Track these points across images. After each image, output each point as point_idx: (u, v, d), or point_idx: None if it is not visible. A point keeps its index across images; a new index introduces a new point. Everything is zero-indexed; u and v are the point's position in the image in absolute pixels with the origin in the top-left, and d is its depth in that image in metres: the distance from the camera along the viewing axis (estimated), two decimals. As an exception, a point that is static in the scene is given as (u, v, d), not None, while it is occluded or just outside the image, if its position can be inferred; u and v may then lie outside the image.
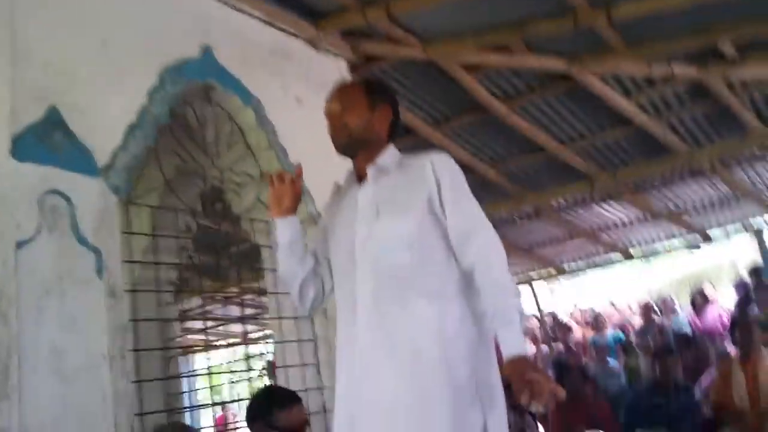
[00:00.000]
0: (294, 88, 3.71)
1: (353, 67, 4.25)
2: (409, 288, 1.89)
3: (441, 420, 1.78)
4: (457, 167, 2.00)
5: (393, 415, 1.81)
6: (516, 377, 1.70)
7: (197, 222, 3.94)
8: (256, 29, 3.56)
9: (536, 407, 1.67)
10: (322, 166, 3.72)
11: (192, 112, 3.26)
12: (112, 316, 2.56)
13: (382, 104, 2.07)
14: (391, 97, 2.13)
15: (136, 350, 2.73)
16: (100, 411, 2.43)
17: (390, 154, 2.05)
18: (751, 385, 4.34)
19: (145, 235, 3.14)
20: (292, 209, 2.09)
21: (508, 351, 1.76)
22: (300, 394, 2.91)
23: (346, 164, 3.93)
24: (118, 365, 2.52)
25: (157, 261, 3.21)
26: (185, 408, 4.34)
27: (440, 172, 1.95)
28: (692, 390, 5.27)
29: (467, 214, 1.93)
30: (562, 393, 1.71)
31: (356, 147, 2.04)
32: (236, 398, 3.64)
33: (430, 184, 1.94)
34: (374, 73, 4.61)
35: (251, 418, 2.77)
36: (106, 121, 2.74)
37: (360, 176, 2.07)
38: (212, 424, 4.31)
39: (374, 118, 2.04)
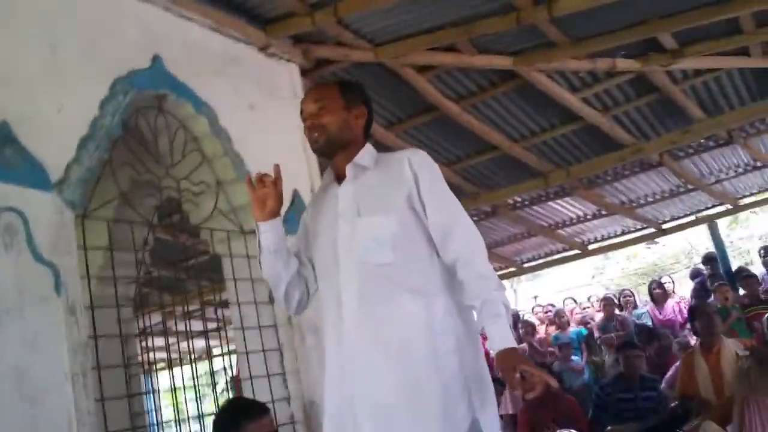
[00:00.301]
0: (246, 95, 3.69)
1: (304, 72, 4.25)
2: (395, 285, 1.91)
3: (431, 414, 1.80)
4: (434, 164, 2.03)
5: (386, 410, 1.83)
6: (507, 370, 1.75)
7: (154, 235, 3.88)
8: (205, 37, 3.54)
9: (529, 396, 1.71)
10: (279, 171, 3.73)
11: (145, 123, 3.22)
12: (72, 334, 2.50)
13: (357, 104, 2.10)
14: (365, 96, 2.15)
15: (98, 368, 2.67)
16: (65, 430, 2.37)
17: (368, 153, 2.07)
18: (715, 374, 4.38)
19: (102, 249, 3.08)
20: (276, 211, 2.06)
21: (497, 344, 1.81)
22: (267, 406, 2.88)
23: (302, 170, 3.96)
24: (80, 384, 2.47)
25: (115, 276, 3.15)
26: (150, 426, 4.25)
27: (418, 169, 1.98)
28: (658, 383, 5.35)
29: (447, 210, 1.97)
30: (553, 382, 1.77)
31: (334, 147, 2.04)
32: (200, 414, 3.57)
33: (408, 181, 1.97)
34: (325, 77, 4.62)
35: (219, 432, 2.73)
36: (57, 134, 2.69)
37: (339, 175, 2.08)
38: None
39: (350, 117, 2.06)
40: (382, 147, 5.22)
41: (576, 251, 9.83)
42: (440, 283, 1.94)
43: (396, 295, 1.91)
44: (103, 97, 2.90)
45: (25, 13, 2.71)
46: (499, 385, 4.23)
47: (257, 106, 3.74)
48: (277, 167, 2.08)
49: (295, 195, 3.77)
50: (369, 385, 1.87)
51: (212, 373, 3.61)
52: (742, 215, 17.93)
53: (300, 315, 2.26)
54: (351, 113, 2.07)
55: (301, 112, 2.09)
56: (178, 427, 3.78)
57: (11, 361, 2.29)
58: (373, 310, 1.91)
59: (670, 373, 5.59)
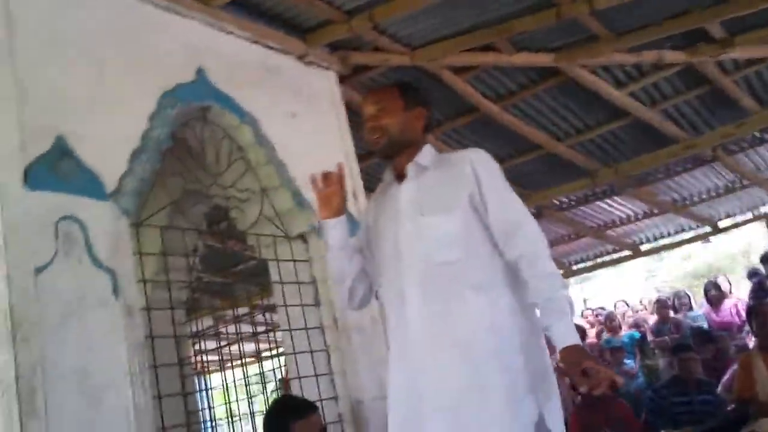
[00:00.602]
0: (287, 103, 3.79)
1: (342, 79, 4.33)
2: (458, 282, 1.95)
3: (499, 411, 1.83)
4: (495, 163, 2.07)
5: (454, 407, 1.86)
6: (572, 366, 1.78)
7: (204, 242, 4.01)
8: (246, 49, 3.65)
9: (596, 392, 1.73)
10: (320, 176, 3.81)
11: (192, 134, 3.34)
12: (129, 335, 2.62)
13: (417, 105, 2.14)
14: (423, 97, 2.20)
15: (154, 366, 2.78)
16: (125, 427, 2.49)
17: (428, 153, 2.12)
18: (774, 375, 4.29)
19: (156, 255, 3.20)
20: (341, 209, 2.12)
21: (562, 341, 1.84)
22: (316, 404, 2.95)
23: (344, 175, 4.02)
24: (138, 381, 2.58)
25: (168, 280, 3.28)
26: (203, 424, 4.38)
27: (479, 168, 2.01)
28: (714, 386, 5.23)
29: (511, 208, 2.00)
30: (619, 379, 1.79)
31: (394, 148, 2.09)
32: (251, 413, 3.68)
33: (470, 180, 2.00)
34: (363, 82, 4.69)
35: (268, 430, 2.81)
36: (111, 147, 2.82)
37: (399, 175, 2.12)
38: None
39: (410, 118, 2.10)
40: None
41: (627, 252, 9.62)
42: (502, 281, 1.98)
43: (459, 292, 1.94)
44: (151, 111, 3.02)
45: (72, 35, 2.85)
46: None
47: (298, 114, 3.83)
48: (341, 165, 2.15)
49: (338, 200, 3.84)
50: (436, 381, 1.90)
51: (262, 374, 3.70)
52: (804, 211, 17.33)
53: (359, 309, 2.33)
54: (411, 114, 2.11)
55: (362, 114, 2.14)
56: (231, 425, 3.88)
57: (73, 362, 2.42)
58: (437, 307, 1.94)
59: (726, 376, 5.44)
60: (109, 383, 2.50)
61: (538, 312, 1.94)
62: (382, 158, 2.16)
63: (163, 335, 3.06)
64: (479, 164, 2.03)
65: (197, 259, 4.01)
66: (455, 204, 1.99)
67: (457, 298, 1.94)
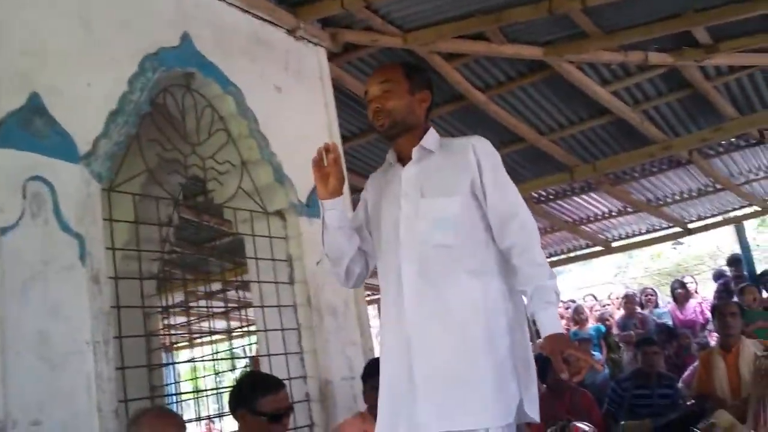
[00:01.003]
0: (273, 77, 3.71)
1: (332, 57, 4.26)
2: (454, 266, 1.99)
3: (487, 388, 1.91)
4: (496, 152, 2.11)
5: (443, 381, 1.93)
6: (555, 353, 1.85)
7: (179, 214, 3.93)
8: (235, 18, 3.57)
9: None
10: (303, 154, 3.72)
11: (172, 101, 3.25)
12: (95, 303, 2.55)
13: (421, 88, 2.14)
14: (428, 81, 2.19)
15: (119, 337, 2.71)
16: (85, 396, 2.42)
17: (432, 137, 2.13)
18: (732, 374, 4.34)
19: (127, 222, 3.12)
20: (339, 190, 2.12)
21: (547, 329, 1.91)
22: (284, 382, 2.92)
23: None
24: (102, 351, 2.51)
25: (139, 248, 3.20)
26: (169, 395, 4.32)
27: (481, 156, 2.05)
28: (675, 381, 5.32)
29: (507, 198, 2.04)
30: (599, 367, 1.88)
31: (398, 130, 2.10)
32: (218, 389, 3.64)
33: (472, 167, 2.04)
34: (352, 62, 4.63)
35: (235, 405, 2.77)
36: (87, 108, 2.72)
37: (401, 157, 2.15)
38: None
39: (414, 101, 2.11)
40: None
41: (599, 248, 9.77)
42: (495, 267, 2.03)
43: (454, 275, 1.99)
44: (132, 74, 2.93)
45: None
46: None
47: (284, 88, 3.76)
48: (334, 144, 2.14)
49: (319, 178, 3.78)
50: (428, 356, 1.95)
51: (232, 351, 3.65)
52: (771, 219, 17.68)
53: (355, 288, 2.42)
54: (415, 97, 2.11)
55: (366, 93, 2.14)
56: (196, 402, 3.83)
57: (34, 326, 2.34)
58: (432, 287, 1.99)
59: (687, 372, 5.55)
60: (72, 350, 2.42)
61: (525, 299, 2.00)
62: (386, 139, 2.18)
63: (130, 306, 2.98)
64: (482, 152, 2.06)
65: (171, 230, 3.93)
66: (456, 189, 2.03)
67: (452, 280, 1.99)
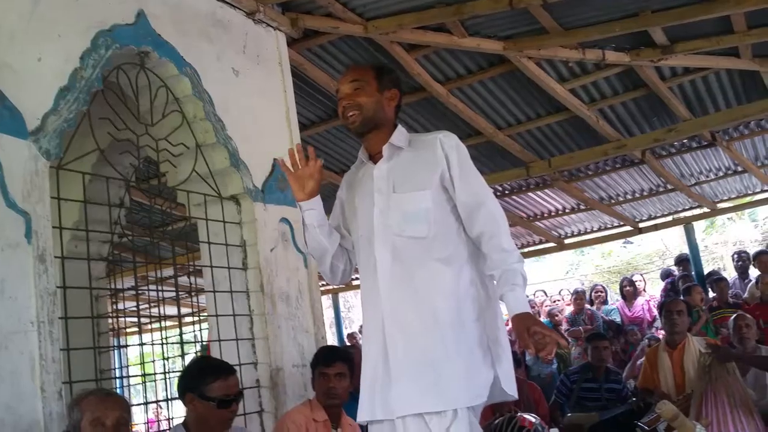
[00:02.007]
0: (231, 60, 3.66)
1: (291, 43, 4.22)
2: (427, 255, 2.11)
3: (458, 372, 2.02)
4: (463, 146, 2.21)
5: (420, 367, 2.03)
6: (521, 331, 1.95)
7: (131, 196, 3.85)
8: (193, -2, 3.50)
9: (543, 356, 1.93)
10: (258, 139, 3.73)
11: (126, 80, 3.18)
12: (40, 282, 2.48)
13: (390, 87, 2.25)
14: (397, 80, 2.31)
15: (65, 318, 2.65)
16: (29, 376, 2.37)
17: (402, 134, 2.24)
18: (677, 370, 4.44)
19: (77, 201, 3.04)
20: (316, 190, 2.23)
21: (513, 309, 2.02)
22: (234, 368, 2.89)
23: (284, 139, 3.95)
24: (46, 331, 2.45)
25: (87, 229, 3.13)
26: (116, 378, 4.25)
27: (449, 151, 2.16)
28: (621, 375, 5.45)
29: (474, 189, 2.15)
30: (564, 342, 1.97)
31: (368, 126, 2.21)
32: (166, 374, 3.59)
33: (441, 161, 2.15)
34: (313, 48, 4.59)
35: (184, 389, 2.73)
36: (36, 83, 2.65)
37: (372, 154, 2.27)
38: (145, 423, 4.28)
39: (383, 99, 2.22)
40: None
41: (552, 244, 9.91)
42: (465, 255, 2.15)
43: (427, 263, 2.11)
44: (84, 50, 2.86)
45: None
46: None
47: (242, 71, 3.71)
48: (311, 149, 2.24)
49: (275, 164, 3.75)
50: (401, 340, 2.07)
51: (182, 338, 3.60)
52: (718, 221, 18.23)
53: (342, 284, 2.49)
54: (384, 95, 2.22)
55: (337, 92, 2.25)
56: (144, 388, 3.77)
57: (-23, 305, 2.27)
58: (405, 274, 2.11)
59: (629, 365, 5.68)
60: (16, 330, 2.36)
61: (495, 283, 2.11)
62: (356, 135, 2.26)
63: (77, 286, 2.91)
64: (449, 146, 2.17)
65: (122, 213, 3.85)
66: (426, 183, 2.14)
67: (425, 268, 2.10)
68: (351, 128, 2.22)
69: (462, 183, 2.14)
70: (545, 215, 8.98)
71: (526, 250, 10.21)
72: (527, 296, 2.18)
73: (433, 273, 2.09)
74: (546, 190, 8.11)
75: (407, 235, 2.11)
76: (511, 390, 2.10)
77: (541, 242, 9.96)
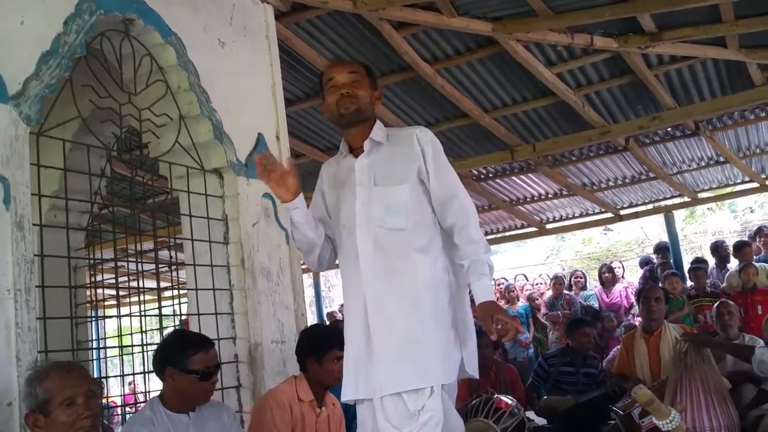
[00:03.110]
0: (217, 31, 3.60)
1: (280, 15, 4.16)
2: (406, 246, 2.24)
3: (436, 352, 2.17)
4: (437, 141, 2.34)
5: (401, 349, 2.17)
6: (486, 317, 2.11)
7: (111, 166, 3.80)
8: (180, -35, 3.43)
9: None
10: (243, 112, 3.68)
11: (110, 47, 3.11)
12: (18, 249, 2.45)
13: (376, 87, 2.41)
14: (377, 83, 2.45)
15: (42, 287, 2.61)
16: (4, 344, 2.34)
17: (381, 130, 2.36)
18: (653, 356, 4.47)
19: (57, 169, 3.00)
20: (298, 189, 2.29)
21: (480, 297, 2.19)
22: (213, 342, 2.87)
23: (269, 114, 3.90)
24: (23, 299, 2.42)
25: (68, 198, 3.08)
26: (92, 349, 4.21)
27: (425, 146, 2.29)
28: (598, 360, 5.49)
29: (447, 182, 2.30)
30: (522, 330, 2.14)
31: (358, 118, 2.31)
32: (144, 346, 3.57)
33: (417, 156, 2.28)
34: (301, 23, 4.54)
35: (162, 362, 2.69)
36: (18, 47, 2.59)
37: (353, 148, 2.37)
38: (122, 399, 4.28)
39: (372, 97, 2.36)
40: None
41: (534, 229, 9.96)
42: (440, 244, 2.30)
43: (406, 252, 2.24)
44: (68, 14, 2.81)
45: None
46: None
47: (228, 43, 3.66)
48: (289, 160, 2.35)
49: (260, 138, 3.72)
50: (383, 325, 2.20)
51: (160, 311, 3.57)
52: (698, 211, 18.41)
53: (327, 269, 2.64)
54: (373, 94, 2.37)
55: (330, 79, 2.32)
56: (121, 360, 3.75)
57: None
58: (386, 263, 2.24)
59: (611, 354, 5.72)
60: (-10, 297, 2.33)
61: (465, 271, 2.25)
62: (344, 125, 2.34)
63: (55, 255, 2.87)
64: (425, 142, 2.29)
65: (103, 183, 3.79)
66: (405, 177, 2.26)
67: (404, 258, 2.23)
68: (344, 117, 2.30)
69: (436, 177, 2.27)
70: (528, 200, 9.02)
71: (507, 233, 10.27)
72: (493, 282, 2.28)
73: (413, 262, 2.23)
74: (530, 174, 8.13)
75: (388, 227, 2.24)
76: (472, 370, 2.28)
77: (523, 226, 10.01)
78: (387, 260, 2.24)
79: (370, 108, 2.35)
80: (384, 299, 2.22)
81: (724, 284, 6.74)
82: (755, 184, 8.68)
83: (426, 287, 2.22)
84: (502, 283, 9.19)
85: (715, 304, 4.92)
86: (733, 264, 7.13)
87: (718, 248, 7.73)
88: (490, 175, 8.11)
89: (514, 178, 8.21)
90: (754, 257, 6.96)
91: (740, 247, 6.92)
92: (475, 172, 7.89)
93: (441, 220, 2.30)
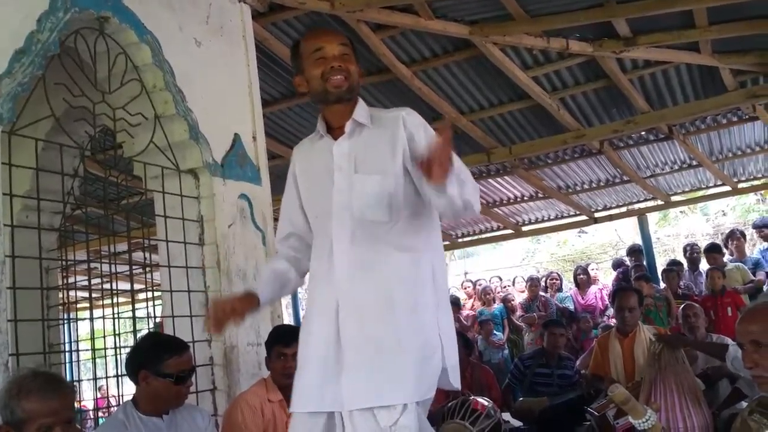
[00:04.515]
0: (194, 30, 3.56)
1: (257, 15, 4.14)
2: (385, 242, 2.02)
3: (412, 364, 1.94)
4: (426, 123, 2.10)
5: (374, 357, 1.95)
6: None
7: (85, 166, 3.74)
8: (156, -37, 3.40)
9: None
10: (219, 112, 3.65)
11: (84, 45, 3.07)
12: (-13, 250, 2.40)
13: (358, 64, 2.13)
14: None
15: (13, 288, 2.56)
16: (-28, 346, 2.29)
17: (364, 110, 2.10)
18: (627, 357, 4.49)
19: (29, 168, 2.94)
20: (255, 300, 2.14)
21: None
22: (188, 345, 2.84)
23: (246, 113, 3.88)
24: (-8, 301, 2.38)
25: (39, 198, 3.03)
26: (64, 352, 4.15)
27: (414, 129, 2.04)
28: (573, 362, 5.54)
29: None
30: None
31: (348, 95, 2.06)
32: (117, 350, 3.52)
33: (403, 141, 2.03)
34: (278, 24, 4.52)
35: (136, 366, 2.66)
36: (-10, 44, 2.55)
37: (331, 128, 2.12)
38: (94, 403, 4.21)
39: (359, 73, 2.11)
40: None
41: (510, 231, 10.01)
42: (423, 243, 2.08)
43: (386, 248, 2.02)
44: (42, 12, 2.76)
45: None
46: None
47: (204, 43, 3.62)
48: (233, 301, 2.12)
49: (236, 139, 3.69)
50: (356, 325, 1.98)
51: (134, 314, 3.52)
52: (671, 214, 18.63)
53: None
54: (359, 71, 2.11)
55: (319, 49, 2.05)
56: (94, 364, 3.69)
57: None
58: (364, 258, 2.01)
59: (584, 354, 5.77)
60: (-40, 299, 2.29)
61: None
62: (330, 103, 2.08)
63: (26, 256, 2.82)
64: (412, 124, 2.05)
65: (76, 183, 3.74)
66: (390, 165, 2.03)
67: (384, 254, 2.02)
68: (332, 94, 2.03)
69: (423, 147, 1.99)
70: (504, 202, 9.07)
71: (483, 236, 10.32)
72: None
73: (392, 259, 2.01)
74: (506, 177, 8.18)
75: (367, 219, 2.01)
76: (455, 382, 2.09)
77: (498, 228, 10.06)
78: (365, 255, 2.01)
79: (359, 85, 2.08)
80: (359, 301, 1.99)
81: (704, 290, 6.79)
82: (727, 188, 8.81)
83: (406, 288, 1.99)
84: (481, 284, 9.25)
85: (681, 307, 4.98)
86: (704, 267, 7.23)
87: (689, 251, 7.84)
88: (467, 177, 8.11)
89: (490, 180, 8.24)
90: (729, 258, 7.09)
91: (710, 250, 7.01)
92: (451, 175, 7.89)
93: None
